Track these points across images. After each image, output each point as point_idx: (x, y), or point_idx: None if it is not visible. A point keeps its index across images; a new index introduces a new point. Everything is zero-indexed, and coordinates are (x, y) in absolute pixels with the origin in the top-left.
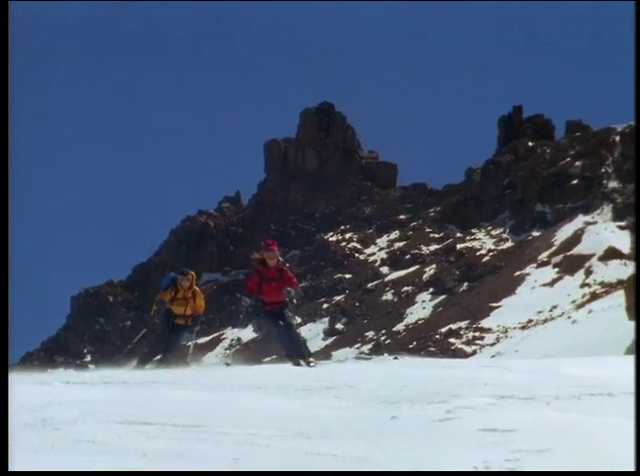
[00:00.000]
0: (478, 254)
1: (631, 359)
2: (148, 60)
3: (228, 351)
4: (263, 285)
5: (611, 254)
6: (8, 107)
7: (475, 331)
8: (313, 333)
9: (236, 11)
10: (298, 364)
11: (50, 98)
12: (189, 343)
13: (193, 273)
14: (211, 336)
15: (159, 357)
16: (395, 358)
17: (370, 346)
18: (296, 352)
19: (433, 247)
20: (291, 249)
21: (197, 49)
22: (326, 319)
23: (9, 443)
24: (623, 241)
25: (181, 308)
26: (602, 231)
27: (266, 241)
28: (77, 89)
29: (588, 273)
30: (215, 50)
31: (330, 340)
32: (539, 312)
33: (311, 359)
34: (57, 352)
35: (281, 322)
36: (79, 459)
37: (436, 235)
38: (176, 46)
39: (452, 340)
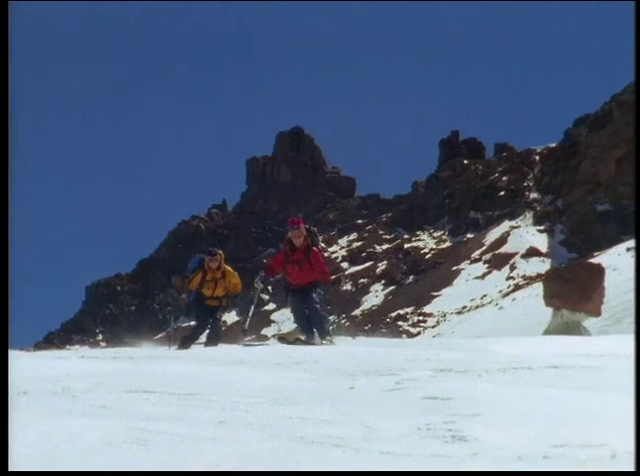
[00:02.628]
0: (422, 252)
1: (547, 338)
2: (149, 76)
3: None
4: (287, 266)
5: (532, 253)
6: (8, 107)
7: (419, 316)
8: (285, 317)
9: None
10: (308, 341)
11: (69, 98)
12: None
13: (221, 252)
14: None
15: (203, 341)
16: (353, 338)
17: (332, 328)
18: (308, 328)
19: (385, 246)
20: (268, 248)
21: (196, 74)
22: None
23: (9, 443)
24: (542, 242)
25: (210, 290)
26: (524, 234)
27: (292, 218)
28: (95, 90)
29: (513, 268)
30: (209, 78)
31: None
32: (472, 300)
33: (328, 337)
34: (75, 332)
35: (302, 300)
36: (92, 422)
37: (387, 236)
38: (177, 68)
39: (400, 323)
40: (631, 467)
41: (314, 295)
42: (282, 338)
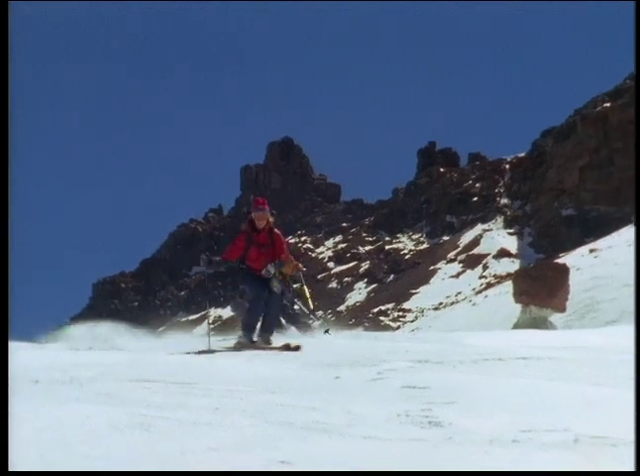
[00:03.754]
0: (401, 253)
1: (516, 332)
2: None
3: (212, 325)
4: (250, 249)
5: (502, 253)
6: (8, 107)
7: (398, 311)
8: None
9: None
10: (265, 344)
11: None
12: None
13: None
14: (199, 314)
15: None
16: (326, 332)
17: (319, 322)
18: (265, 328)
19: (367, 247)
20: None
21: (196, 87)
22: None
23: (9, 443)
24: (511, 244)
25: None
26: (496, 236)
27: (256, 198)
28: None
29: (485, 268)
30: (209, 91)
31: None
32: (447, 297)
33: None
34: (81, 326)
35: (264, 288)
36: (98, 408)
37: (370, 238)
38: (178, 78)
39: (381, 318)
40: (591, 450)
41: (275, 286)
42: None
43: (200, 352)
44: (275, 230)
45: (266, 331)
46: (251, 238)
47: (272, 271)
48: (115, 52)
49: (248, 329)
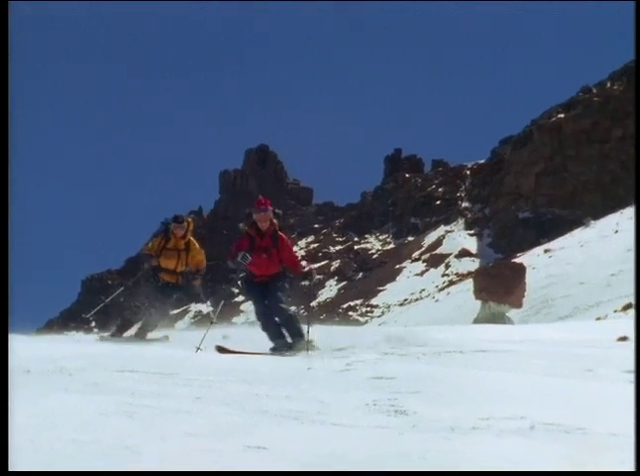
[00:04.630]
0: (369, 252)
1: (476, 326)
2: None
3: (193, 320)
4: (252, 254)
5: (463, 253)
6: (8, 107)
7: (366, 307)
8: (250, 309)
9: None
10: (284, 348)
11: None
12: (208, 308)
13: (190, 220)
14: (180, 309)
15: (139, 323)
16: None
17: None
18: (278, 334)
19: (338, 247)
20: None
21: (185, 89)
22: None
23: (9, 443)
24: (472, 244)
25: (171, 261)
26: (457, 237)
27: (258, 200)
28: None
29: (447, 266)
30: (191, 101)
31: None
32: (412, 294)
33: (310, 341)
34: (71, 320)
35: (264, 298)
36: (86, 397)
37: (340, 239)
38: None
39: (350, 313)
40: (547, 437)
41: (279, 292)
42: (224, 349)
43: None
44: (280, 233)
45: (296, 336)
46: (253, 241)
47: (245, 261)
48: (109, 53)
49: (273, 337)
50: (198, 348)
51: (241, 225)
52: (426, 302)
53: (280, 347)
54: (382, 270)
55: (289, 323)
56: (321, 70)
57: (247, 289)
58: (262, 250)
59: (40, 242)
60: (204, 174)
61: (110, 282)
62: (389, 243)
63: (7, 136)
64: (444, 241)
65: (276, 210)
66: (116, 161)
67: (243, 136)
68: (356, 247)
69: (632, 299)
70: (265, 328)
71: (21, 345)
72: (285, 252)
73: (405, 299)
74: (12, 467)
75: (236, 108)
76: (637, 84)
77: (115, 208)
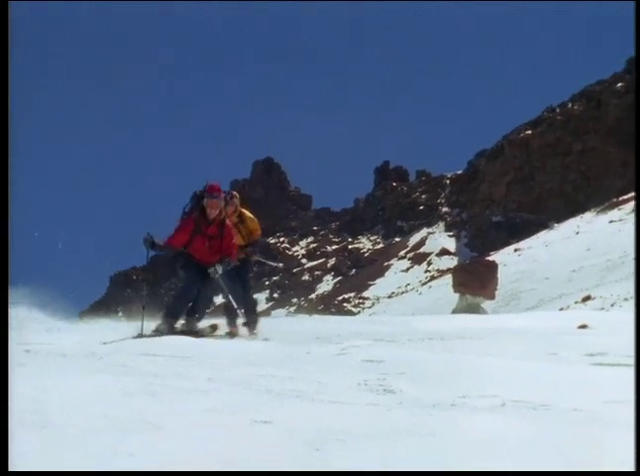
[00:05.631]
0: (361, 251)
1: (455, 316)
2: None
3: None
4: (194, 239)
5: (443, 252)
6: (7, 107)
7: (359, 299)
8: (259, 300)
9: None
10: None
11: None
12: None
13: (236, 193)
14: None
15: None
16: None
17: (294, 308)
18: (191, 313)
19: (334, 247)
20: None
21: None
22: (267, 291)
23: (9, 443)
24: (451, 244)
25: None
26: (438, 238)
27: (211, 184)
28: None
29: (429, 264)
30: (202, 115)
31: (270, 304)
32: (398, 288)
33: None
34: (101, 310)
35: (201, 277)
36: (113, 377)
37: (336, 239)
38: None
39: (345, 305)
40: (516, 413)
41: (217, 268)
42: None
43: (138, 336)
44: (227, 222)
45: (192, 316)
46: (199, 226)
47: (220, 272)
48: (117, 48)
49: (171, 315)
50: (140, 334)
51: (187, 208)
52: (411, 295)
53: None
54: (373, 267)
55: (248, 309)
56: (322, 94)
57: (187, 262)
58: (207, 237)
59: (76, 243)
60: (218, 182)
61: (135, 277)
62: (379, 243)
63: (7, 136)
64: (426, 241)
65: (232, 194)
66: (138, 172)
67: (250, 149)
68: (349, 247)
69: (591, 292)
70: (181, 300)
71: (59, 333)
72: (229, 243)
73: (393, 293)
74: (12, 467)
75: (244, 124)
76: (637, 84)
77: (137, 214)
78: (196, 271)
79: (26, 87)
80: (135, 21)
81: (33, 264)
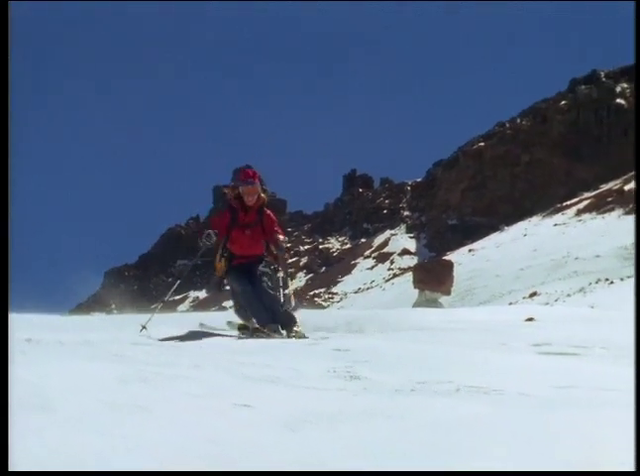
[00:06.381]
0: (331, 251)
1: (415, 310)
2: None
3: (192, 303)
4: (232, 230)
5: (405, 252)
6: (7, 107)
7: (329, 294)
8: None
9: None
10: (274, 333)
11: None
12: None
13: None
14: (181, 295)
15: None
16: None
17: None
18: (269, 318)
19: (306, 247)
20: None
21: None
22: None
23: (9, 443)
24: (411, 245)
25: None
26: (400, 239)
27: (244, 170)
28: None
29: (392, 262)
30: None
31: None
32: (364, 284)
33: (295, 328)
34: (96, 304)
35: (250, 282)
36: (108, 365)
37: (308, 240)
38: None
39: (316, 299)
40: (469, 397)
41: (262, 269)
42: (245, 328)
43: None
44: (266, 209)
45: (275, 322)
46: (237, 216)
47: (265, 270)
48: (117, 50)
49: (262, 313)
50: (143, 327)
51: (226, 191)
52: (375, 291)
53: (267, 323)
54: (341, 265)
55: (279, 310)
56: (296, 106)
57: (230, 274)
58: (244, 226)
59: (73, 242)
60: (201, 187)
61: (127, 273)
62: (347, 243)
63: (7, 136)
64: (389, 242)
65: (265, 187)
66: (132, 174)
67: (234, 156)
68: (320, 247)
69: (537, 289)
70: (250, 307)
71: (55, 323)
72: (271, 229)
73: (359, 288)
74: (12, 467)
75: (226, 132)
76: (637, 84)
77: (130, 213)
78: (244, 277)
79: (26, 87)
80: (134, 21)
81: (31, 261)
